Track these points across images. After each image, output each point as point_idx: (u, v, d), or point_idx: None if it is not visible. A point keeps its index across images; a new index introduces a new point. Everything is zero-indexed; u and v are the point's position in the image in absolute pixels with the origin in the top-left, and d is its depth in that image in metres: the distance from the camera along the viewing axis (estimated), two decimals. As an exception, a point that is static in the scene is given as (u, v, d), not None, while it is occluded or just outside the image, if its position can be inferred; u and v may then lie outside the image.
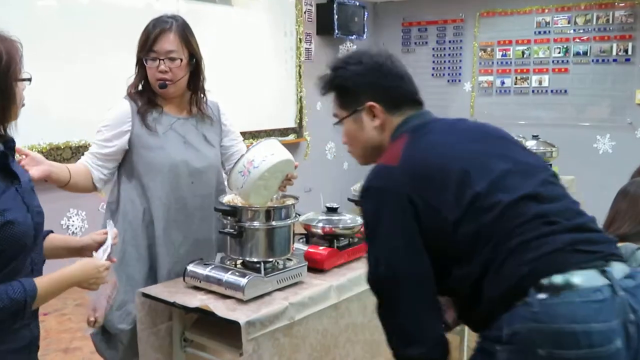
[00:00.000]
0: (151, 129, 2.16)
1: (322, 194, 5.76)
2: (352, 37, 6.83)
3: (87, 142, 4.18)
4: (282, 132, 6.08)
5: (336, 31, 6.47)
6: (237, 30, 5.46)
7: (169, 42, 2.12)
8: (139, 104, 2.18)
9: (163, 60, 2.12)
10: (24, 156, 1.83)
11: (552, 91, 6.52)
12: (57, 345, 3.26)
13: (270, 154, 2.00)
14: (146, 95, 2.20)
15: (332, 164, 7.02)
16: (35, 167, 1.82)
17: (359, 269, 2.27)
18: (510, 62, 6.75)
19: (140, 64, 2.18)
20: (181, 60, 2.14)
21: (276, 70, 6.01)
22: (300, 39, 6.21)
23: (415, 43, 7.35)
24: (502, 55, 6.79)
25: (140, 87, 2.22)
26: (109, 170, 2.19)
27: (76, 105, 4.11)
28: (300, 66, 6.25)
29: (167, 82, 2.14)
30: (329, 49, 6.78)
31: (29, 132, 3.81)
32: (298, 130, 6.33)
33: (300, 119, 6.34)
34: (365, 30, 6.93)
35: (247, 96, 5.41)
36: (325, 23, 6.47)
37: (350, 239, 2.40)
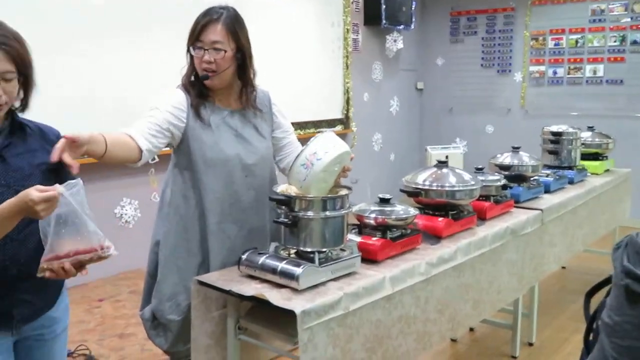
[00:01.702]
0: (204, 122, 2.17)
1: (369, 185, 5.77)
2: (400, 28, 6.77)
3: (140, 133, 4.28)
4: (329, 124, 6.07)
5: (383, 21, 6.42)
6: (284, 21, 5.47)
7: (215, 33, 2.11)
8: (192, 96, 2.18)
9: (208, 50, 2.11)
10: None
11: (607, 81, 6.34)
12: (112, 330, 3.34)
13: (332, 146, 2.01)
14: (197, 87, 2.20)
15: (378, 155, 6.99)
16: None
17: (412, 261, 2.26)
18: (563, 52, 6.58)
19: (187, 51, 2.19)
20: (225, 51, 2.12)
21: (323, 61, 6.00)
22: (347, 29, 6.18)
23: (464, 33, 7.24)
24: (555, 45, 6.63)
25: (192, 78, 2.23)
26: (157, 148, 2.11)
27: (128, 97, 4.18)
28: (347, 57, 6.22)
29: (209, 74, 2.14)
30: (376, 40, 6.74)
31: (82, 123, 3.92)
32: (345, 121, 6.32)
33: (347, 110, 6.32)
34: (413, 20, 6.85)
35: (294, 87, 5.42)
36: (373, 13, 6.43)
37: (403, 230, 2.38)
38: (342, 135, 6.17)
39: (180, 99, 2.17)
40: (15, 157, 1.62)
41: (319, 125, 5.88)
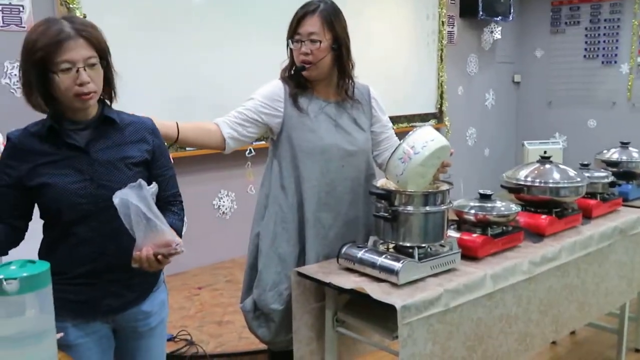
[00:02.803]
0: (303, 111, 2.20)
1: (462, 180, 5.64)
2: (497, 19, 6.55)
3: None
4: (422, 118, 5.99)
5: (480, 12, 6.24)
6: (379, 15, 5.44)
7: (312, 24, 2.13)
8: (291, 87, 2.22)
9: (305, 42, 2.14)
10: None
11: None
12: (211, 317, 3.45)
13: (430, 139, 1.98)
14: (296, 79, 2.23)
15: (472, 150, 6.83)
16: None
17: (514, 259, 2.19)
18: (677, 41, 6.15)
19: (287, 43, 2.22)
20: (321, 42, 2.14)
21: (417, 55, 5.91)
22: (442, 22, 6.06)
23: (566, 23, 6.92)
24: (667, 34, 6.21)
25: (292, 71, 2.26)
26: (244, 137, 2.20)
27: (227, 92, 4.30)
28: (442, 50, 6.10)
29: (306, 65, 2.16)
30: (472, 32, 6.57)
31: (184, 117, 4.06)
32: (438, 115, 6.21)
33: (441, 104, 6.21)
34: (512, 10, 6.62)
35: (387, 80, 5.37)
36: (469, 4, 6.25)
37: (504, 227, 2.32)
38: (436, 130, 6.07)
39: (276, 90, 2.22)
40: (101, 151, 1.65)
41: (411, 119, 5.81)
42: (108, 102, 1.71)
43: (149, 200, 1.53)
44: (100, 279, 1.68)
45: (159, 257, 1.57)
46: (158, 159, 1.77)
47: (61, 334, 1.47)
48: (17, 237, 1.69)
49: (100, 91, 1.62)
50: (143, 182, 1.53)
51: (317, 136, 2.20)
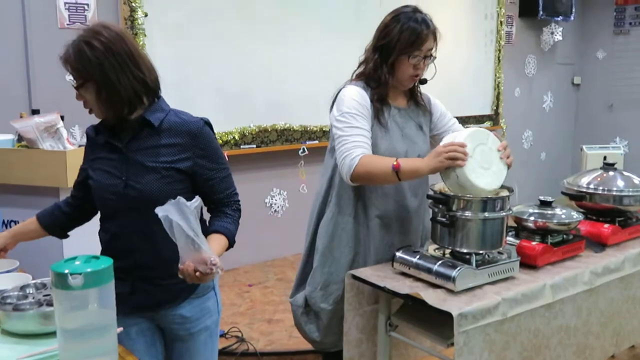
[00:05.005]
0: (383, 125, 2.17)
1: (516, 184, 5.51)
2: (558, 19, 6.38)
3: (292, 126, 4.41)
4: (477, 120, 5.89)
5: (540, 12, 6.09)
6: (435, 11, 5.34)
7: (431, 42, 2.14)
8: (371, 95, 2.17)
9: (424, 59, 2.15)
10: None
11: None
12: (261, 315, 3.48)
13: (455, 137, 1.98)
14: (377, 86, 2.18)
15: (528, 153, 6.67)
16: None
17: (575, 269, 2.13)
18: None
19: (396, 57, 2.12)
20: (432, 57, 2.16)
21: (474, 55, 5.81)
22: (501, 21, 5.93)
23: (630, 23, 6.68)
24: None
25: (378, 79, 2.18)
26: None
27: (282, 91, 4.33)
28: (499, 50, 5.98)
29: (415, 78, 2.17)
30: (531, 32, 6.42)
31: (240, 115, 4.16)
32: (494, 117, 6.09)
33: (497, 106, 6.09)
34: (573, 10, 6.43)
35: (442, 80, 5.22)
36: (529, 4, 6.11)
37: (565, 236, 2.25)
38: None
39: (369, 107, 2.15)
40: (135, 152, 1.67)
41: (466, 121, 5.71)
42: (157, 101, 1.70)
43: (189, 216, 1.49)
44: (129, 274, 1.69)
45: (197, 273, 1.53)
46: (203, 164, 1.71)
47: (121, 329, 1.50)
48: (83, 216, 1.89)
49: (98, 110, 1.65)
50: (182, 199, 1.49)
51: (392, 145, 2.16)
